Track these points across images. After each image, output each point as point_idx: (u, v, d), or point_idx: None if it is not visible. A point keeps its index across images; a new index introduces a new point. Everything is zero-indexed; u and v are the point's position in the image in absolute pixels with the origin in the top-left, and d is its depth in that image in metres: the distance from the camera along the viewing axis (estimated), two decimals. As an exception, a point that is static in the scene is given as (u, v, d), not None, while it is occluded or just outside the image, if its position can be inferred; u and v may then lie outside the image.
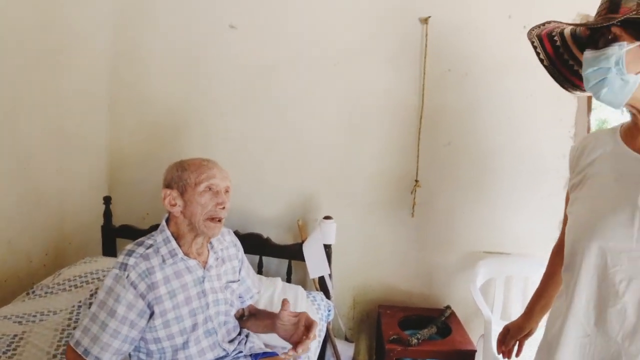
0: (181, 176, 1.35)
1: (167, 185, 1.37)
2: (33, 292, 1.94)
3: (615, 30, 0.92)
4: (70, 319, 1.74)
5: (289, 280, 2.32)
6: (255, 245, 2.25)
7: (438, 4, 2.25)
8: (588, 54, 0.96)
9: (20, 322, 1.70)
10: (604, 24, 0.91)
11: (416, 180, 2.34)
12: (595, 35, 0.96)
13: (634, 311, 0.91)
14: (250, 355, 1.48)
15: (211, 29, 2.43)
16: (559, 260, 1.15)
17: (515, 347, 1.40)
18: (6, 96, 1.95)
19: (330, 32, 2.34)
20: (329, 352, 2.24)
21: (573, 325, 1.00)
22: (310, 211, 2.43)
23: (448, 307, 2.33)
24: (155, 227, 1.45)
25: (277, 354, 1.55)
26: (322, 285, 2.26)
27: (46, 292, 1.91)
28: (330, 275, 2.24)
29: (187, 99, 2.50)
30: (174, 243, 1.35)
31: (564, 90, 1.19)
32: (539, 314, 1.32)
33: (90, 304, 1.76)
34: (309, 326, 1.38)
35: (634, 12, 0.87)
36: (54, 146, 2.24)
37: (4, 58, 1.92)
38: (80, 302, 1.83)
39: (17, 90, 2.00)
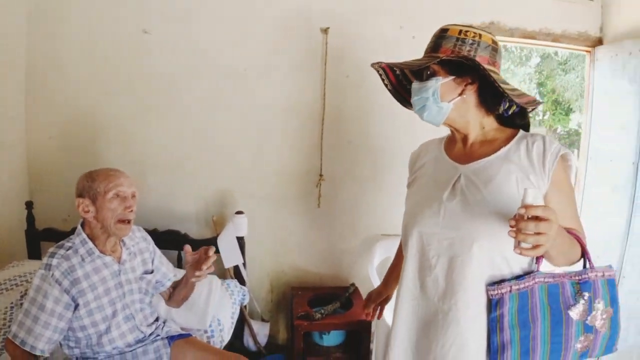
0: (91, 186, 1.54)
1: (80, 195, 1.56)
2: (-34, 297, 2.02)
3: (434, 67, 1.21)
4: (4, 319, 1.87)
5: (207, 271, 2.52)
6: (173, 241, 2.44)
7: (337, 15, 2.50)
8: (415, 85, 1.25)
9: (-44, 325, 1.80)
10: (425, 64, 1.18)
11: (320, 175, 2.62)
12: (422, 69, 1.24)
13: (443, 279, 1.20)
14: (167, 337, 1.72)
15: (126, 34, 2.51)
16: None
17: (378, 311, 1.71)
18: None
19: (238, 41, 2.52)
20: (246, 332, 2.50)
21: (405, 291, 1.29)
22: (226, 207, 2.64)
23: (352, 284, 2.64)
24: (76, 228, 1.62)
25: (190, 335, 1.79)
26: (237, 274, 2.50)
27: (-24, 297, 2.00)
28: (244, 264, 2.48)
29: (104, 103, 2.57)
30: (90, 244, 1.55)
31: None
32: (393, 283, 1.61)
33: (22, 304, 1.90)
34: (206, 250, 1.60)
35: (449, 54, 1.16)
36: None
37: None
38: (12, 303, 1.95)
39: None
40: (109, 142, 2.60)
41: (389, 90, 1.41)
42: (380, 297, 1.67)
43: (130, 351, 1.62)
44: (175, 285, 1.85)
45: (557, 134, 11.08)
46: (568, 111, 9.88)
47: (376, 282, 2.32)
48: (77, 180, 1.59)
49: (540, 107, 10.45)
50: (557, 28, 2.59)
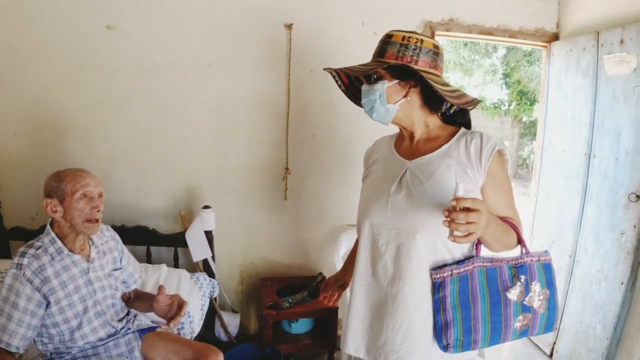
0: (59, 186, 1.57)
1: (48, 195, 1.58)
2: None
3: (380, 71, 1.29)
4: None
5: (176, 265, 2.57)
6: (142, 236, 2.48)
7: (301, 12, 2.56)
8: (364, 87, 1.34)
9: None
10: (371, 70, 1.27)
11: (287, 168, 2.68)
12: (370, 73, 1.32)
13: (391, 265, 1.30)
14: (138, 330, 1.77)
15: (89, 29, 2.49)
16: None
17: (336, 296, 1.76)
18: None
19: (204, 36, 2.54)
20: (217, 323, 2.56)
21: (359, 277, 1.39)
22: (194, 202, 2.68)
23: (320, 274, 2.72)
24: (45, 227, 1.64)
25: (160, 327, 1.85)
26: (206, 267, 2.55)
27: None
28: (213, 258, 2.54)
29: (69, 100, 2.55)
30: (59, 243, 1.58)
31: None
32: (351, 270, 1.63)
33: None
34: (180, 305, 1.68)
35: (393, 59, 1.25)
36: None
37: None
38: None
39: None
40: (74, 139, 2.59)
41: (343, 91, 1.50)
42: (337, 282, 1.74)
43: (103, 345, 1.66)
44: (137, 297, 1.90)
45: (522, 124, 11.42)
46: (533, 101, 10.19)
47: (341, 271, 2.41)
48: (45, 180, 1.61)
49: (505, 97, 10.77)
50: (515, 24, 2.70)
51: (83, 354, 1.63)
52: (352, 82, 1.48)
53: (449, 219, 1.03)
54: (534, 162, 3.13)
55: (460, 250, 1.26)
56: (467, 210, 1.01)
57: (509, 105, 11.00)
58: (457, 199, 1.02)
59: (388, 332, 1.29)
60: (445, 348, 1.23)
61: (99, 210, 1.61)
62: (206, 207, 2.47)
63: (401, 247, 1.26)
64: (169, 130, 2.62)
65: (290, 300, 2.40)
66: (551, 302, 1.26)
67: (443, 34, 2.71)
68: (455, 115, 1.38)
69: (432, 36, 2.62)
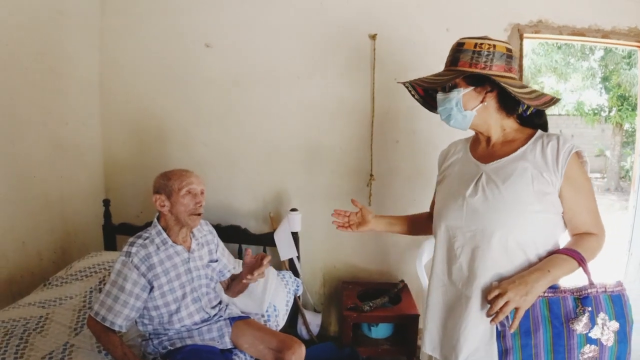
0: (167, 184, 1.76)
1: (157, 191, 1.78)
2: (49, 283, 2.32)
3: (455, 80, 1.32)
4: (84, 301, 2.15)
5: (264, 263, 2.71)
6: (234, 235, 2.67)
7: (385, 21, 2.62)
8: (440, 96, 1.39)
9: (43, 307, 2.09)
10: (445, 82, 1.31)
11: (371, 175, 2.74)
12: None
13: (467, 267, 1.33)
14: (228, 318, 1.93)
15: (190, 48, 2.78)
16: (422, 220, 1.68)
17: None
18: (11, 116, 2.28)
19: (292, 49, 2.71)
20: (299, 321, 2.67)
21: (435, 279, 1.44)
22: (282, 205, 2.83)
23: (401, 281, 2.74)
24: (149, 223, 1.85)
25: (249, 317, 1.99)
26: (291, 266, 2.68)
27: (62, 282, 2.29)
28: (298, 258, 2.66)
29: (170, 110, 2.85)
30: (164, 234, 1.78)
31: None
32: (383, 225, 1.69)
33: (100, 289, 2.18)
34: (262, 257, 1.80)
35: (467, 67, 1.28)
36: (56, 158, 2.59)
37: (8, 82, 2.25)
38: (91, 288, 2.23)
39: (21, 111, 2.34)
40: (176, 144, 2.88)
41: (418, 101, 1.56)
42: (365, 219, 1.67)
43: (197, 329, 1.83)
44: (234, 278, 2.05)
45: (624, 131, 10.50)
46: (635, 107, 9.36)
47: (424, 279, 2.37)
48: (154, 179, 1.82)
49: (605, 103, 9.97)
50: (607, 24, 2.55)
51: (178, 336, 1.79)
52: (427, 91, 1.52)
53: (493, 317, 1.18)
54: (633, 172, 2.92)
55: (535, 251, 1.27)
56: (495, 298, 1.17)
57: (609, 112, 10.18)
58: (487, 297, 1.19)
59: (460, 333, 1.33)
60: None
61: (201, 206, 1.79)
62: (293, 209, 2.60)
63: (476, 249, 1.30)
64: (259, 137, 2.80)
65: (371, 304, 2.44)
66: (621, 335, 1.21)
67: (532, 36, 2.60)
68: (532, 117, 1.38)
69: (521, 39, 2.55)
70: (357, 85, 2.70)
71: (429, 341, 1.45)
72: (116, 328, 1.66)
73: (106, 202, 2.77)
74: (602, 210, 1.31)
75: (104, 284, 2.16)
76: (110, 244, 2.81)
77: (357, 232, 1.69)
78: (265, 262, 1.77)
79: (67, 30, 2.62)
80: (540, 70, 9.96)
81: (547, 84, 11.19)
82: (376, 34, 2.62)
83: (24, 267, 2.42)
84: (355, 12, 2.64)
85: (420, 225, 1.71)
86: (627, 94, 9.26)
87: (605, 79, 9.81)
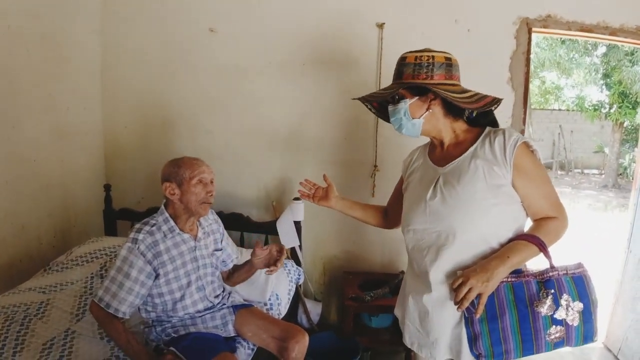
0: (177, 172, 1.74)
1: (166, 179, 1.75)
2: (50, 268, 2.31)
3: (401, 91, 1.41)
4: (85, 287, 2.14)
5: (266, 250, 2.71)
6: (237, 222, 2.66)
7: (394, 11, 2.60)
8: (390, 108, 1.47)
9: (44, 292, 2.08)
10: (391, 94, 1.40)
11: (375, 166, 2.73)
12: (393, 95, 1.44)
13: (434, 268, 1.38)
14: (232, 306, 1.93)
15: (193, 32, 2.74)
16: (379, 214, 1.83)
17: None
18: (12, 100, 2.26)
19: (297, 37, 2.67)
20: (300, 309, 2.67)
21: (409, 281, 1.54)
22: (284, 194, 2.82)
23: (402, 272, 2.73)
24: (151, 209, 1.83)
25: (252, 305, 1.99)
26: (293, 255, 2.67)
27: (62, 268, 2.28)
28: (300, 247, 2.65)
29: (172, 95, 2.82)
30: (172, 222, 1.76)
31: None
32: (341, 206, 1.82)
33: (101, 275, 2.17)
34: (279, 250, 1.84)
35: (410, 79, 1.36)
36: (57, 142, 2.57)
37: (9, 65, 2.23)
38: (92, 273, 2.22)
39: (22, 95, 2.32)
40: (179, 131, 2.86)
41: (375, 114, 1.65)
42: (328, 197, 1.80)
43: (200, 317, 1.82)
44: (235, 269, 2.04)
45: (623, 129, 10.51)
46: (635, 105, 9.36)
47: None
48: (163, 167, 1.79)
49: (606, 99, 9.96)
50: (615, 22, 2.52)
51: (182, 323, 1.79)
52: (382, 104, 1.59)
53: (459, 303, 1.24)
54: (635, 170, 2.91)
55: (498, 240, 1.33)
56: (459, 286, 1.23)
57: (610, 108, 10.16)
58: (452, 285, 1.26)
59: (437, 331, 1.40)
60: (477, 357, 1.30)
61: (212, 195, 1.78)
62: (296, 199, 2.58)
63: (441, 247, 1.36)
64: (263, 126, 2.78)
65: (372, 294, 2.44)
66: (586, 315, 1.26)
67: (540, 30, 2.58)
68: (479, 117, 1.46)
69: (529, 33, 2.52)
70: (363, 74, 2.67)
71: (408, 337, 1.54)
72: (120, 315, 1.65)
73: (107, 187, 2.75)
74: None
75: (106, 270, 2.15)
76: (111, 230, 2.79)
77: (316, 205, 1.81)
78: (283, 254, 1.81)
79: (70, 14, 2.59)
80: (544, 64, 9.93)
81: (549, 78, 11.17)
82: (384, 23, 2.59)
83: (23, 251, 2.40)
84: (364, 0, 2.61)
85: (375, 218, 1.84)
86: (628, 91, 9.24)
87: (606, 75, 9.79)
